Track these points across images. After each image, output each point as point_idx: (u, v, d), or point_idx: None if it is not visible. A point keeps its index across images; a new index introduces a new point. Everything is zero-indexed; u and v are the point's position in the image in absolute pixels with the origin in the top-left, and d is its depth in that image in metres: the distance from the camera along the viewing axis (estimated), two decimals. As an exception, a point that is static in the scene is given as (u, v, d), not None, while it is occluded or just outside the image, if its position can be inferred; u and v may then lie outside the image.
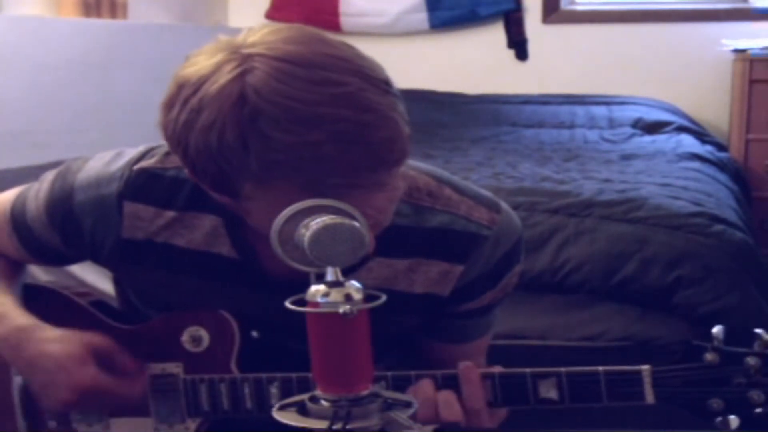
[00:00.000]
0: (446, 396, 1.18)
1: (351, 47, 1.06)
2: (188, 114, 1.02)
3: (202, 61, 1.04)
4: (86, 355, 1.23)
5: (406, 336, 1.31)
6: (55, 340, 1.24)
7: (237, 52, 1.03)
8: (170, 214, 1.23)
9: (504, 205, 1.27)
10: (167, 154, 1.23)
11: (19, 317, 1.29)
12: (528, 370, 1.17)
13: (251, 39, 1.04)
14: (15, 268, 1.39)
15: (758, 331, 1.13)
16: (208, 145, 1.01)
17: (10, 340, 1.27)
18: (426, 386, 1.18)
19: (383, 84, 1.03)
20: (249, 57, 1.01)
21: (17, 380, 1.37)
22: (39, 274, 1.90)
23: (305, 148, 0.99)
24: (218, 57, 1.03)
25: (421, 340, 1.33)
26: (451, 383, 1.19)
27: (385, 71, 1.06)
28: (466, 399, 1.18)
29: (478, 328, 1.32)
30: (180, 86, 1.04)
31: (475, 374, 1.18)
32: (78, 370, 1.22)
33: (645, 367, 1.15)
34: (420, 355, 1.33)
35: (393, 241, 1.20)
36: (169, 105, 1.05)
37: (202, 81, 1.02)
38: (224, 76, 1.01)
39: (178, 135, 1.04)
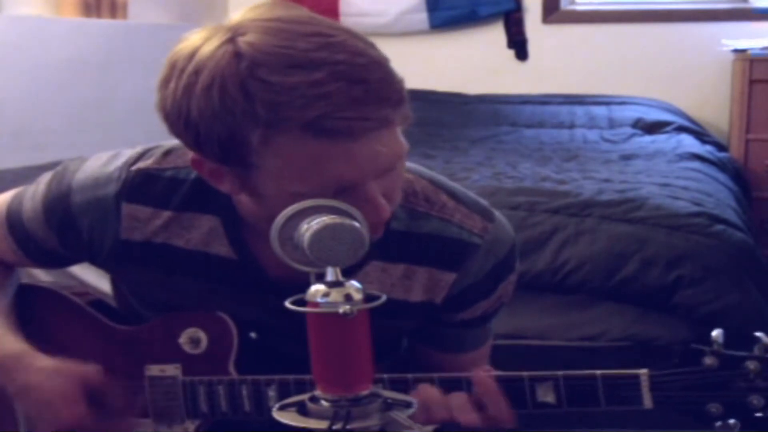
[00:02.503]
0: (460, 399, 1.16)
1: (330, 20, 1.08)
2: (186, 80, 1.03)
3: (191, 38, 1.06)
4: (77, 392, 1.23)
5: (402, 339, 1.31)
6: (47, 373, 1.24)
7: (224, 26, 1.05)
8: (167, 214, 1.22)
9: (498, 215, 1.27)
10: (165, 154, 1.24)
11: (11, 343, 1.28)
12: (525, 373, 1.16)
13: (235, 17, 1.06)
14: (4, 280, 1.38)
15: (758, 334, 1.11)
16: (211, 103, 1.02)
17: (2, 366, 1.26)
18: (430, 390, 1.17)
19: (368, 41, 1.06)
20: (238, 24, 1.04)
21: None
22: (39, 274, 1.90)
23: (308, 88, 1.00)
24: (207, 32, 1.06)
25: (419, 349, 1.33)
26: (454, 386, 1.17)
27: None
28: (492, 409, 1.15)
29: (476, 338, 1.32)
30: (173, 62, 1.06)
31: (492, 384, 1.16)
32: (66, 409, 1.22)
33: (643, 371, 1.13)
34: (417, 363, 1.32)
35: (388, 244, 1.20)
36: (165, 81, 1.06)
37: (195, 50, 1.04)
38: (217, 40, 1.03)
39: (178, 104, 1.04)
